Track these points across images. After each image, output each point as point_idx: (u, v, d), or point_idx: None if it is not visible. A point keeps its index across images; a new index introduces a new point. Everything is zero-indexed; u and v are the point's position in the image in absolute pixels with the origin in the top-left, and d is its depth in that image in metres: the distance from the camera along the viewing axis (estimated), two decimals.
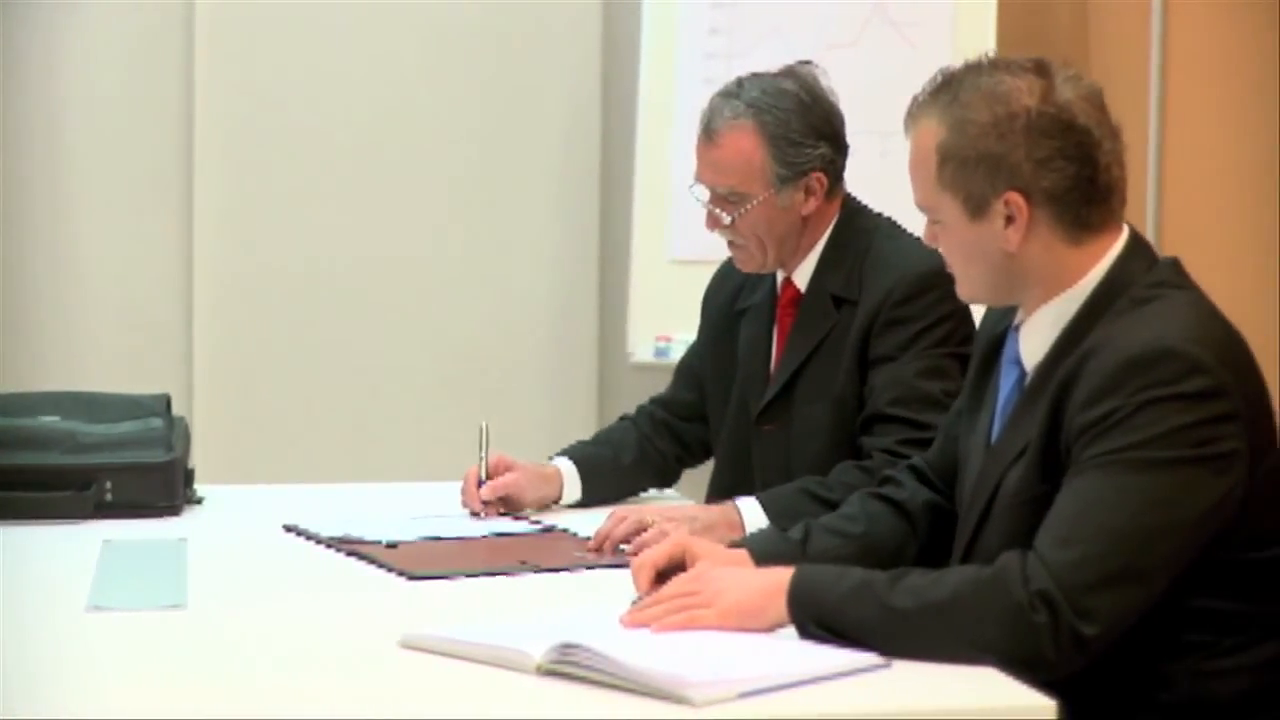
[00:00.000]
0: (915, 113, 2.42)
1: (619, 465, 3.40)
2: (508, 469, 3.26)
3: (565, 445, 5.25)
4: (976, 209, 2.35)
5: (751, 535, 2.72)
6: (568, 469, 3.34)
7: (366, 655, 2.21)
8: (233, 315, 5.20)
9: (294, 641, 2.29)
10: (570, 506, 3.33)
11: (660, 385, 5.02)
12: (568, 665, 2.07)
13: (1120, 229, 2.38)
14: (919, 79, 4.75)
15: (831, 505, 2.83)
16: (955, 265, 2.45)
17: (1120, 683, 2.27)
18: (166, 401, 3.35)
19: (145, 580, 2.60)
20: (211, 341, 5.19)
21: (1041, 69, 2.37)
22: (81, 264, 5.16)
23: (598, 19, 5.29)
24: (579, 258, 5.32)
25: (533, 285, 5.33)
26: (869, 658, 2.14)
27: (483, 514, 3.18)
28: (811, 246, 3.26)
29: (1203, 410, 2.20)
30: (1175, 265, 2.40)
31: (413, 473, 4.51)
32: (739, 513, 3.01)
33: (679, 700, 1.97)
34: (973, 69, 2.39)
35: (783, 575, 2.25)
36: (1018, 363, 2.44)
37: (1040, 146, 2.32)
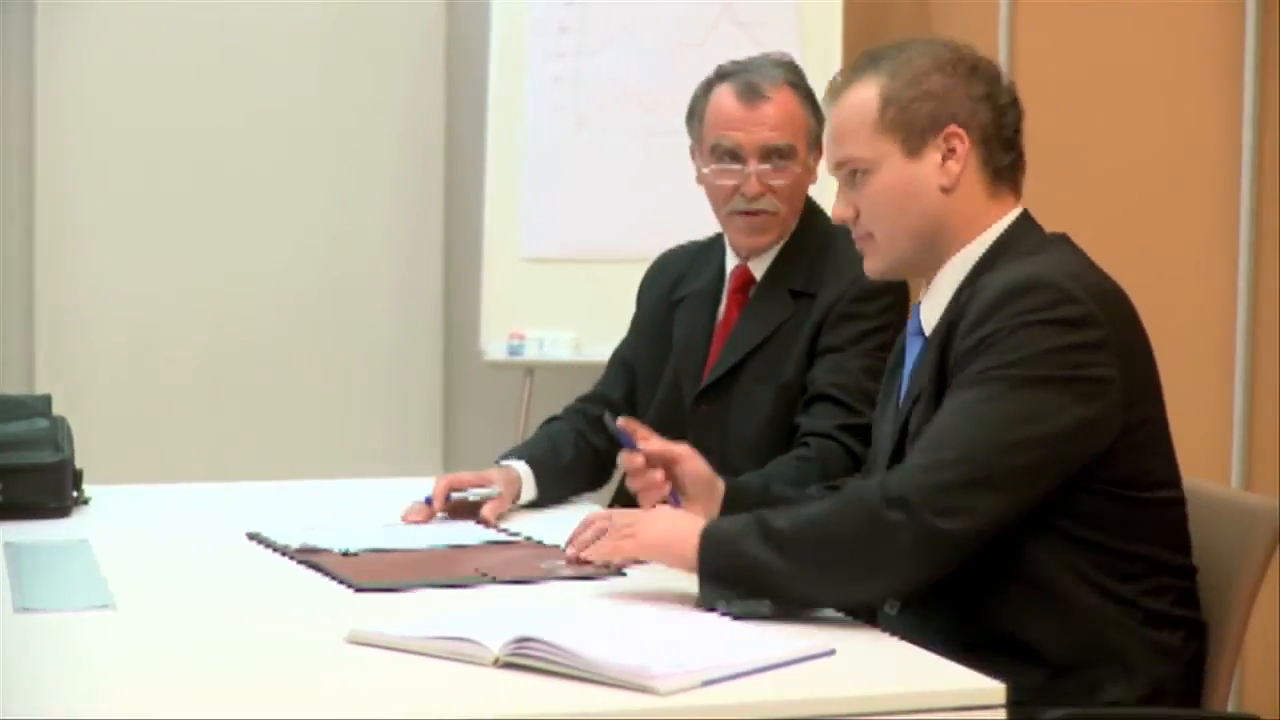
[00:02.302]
0: (845, 81, 2.54)
1: (560, 464, 3.38)
2: (486, 482, 3.21)
3: (408, 443, 5.31)
4: (916, 147, 2.48)
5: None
6: (524, 470, 3.30)
7: (314, 653, 2.20)
8: (72, 320, 5.12)
9: (236, 640, 2.27)
10: (524, 507, 3.29)
11: (514, 383, 5.07)
12: (526, 658, 2.08)
13: (1019, 199, 2.54)
14: None
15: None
16: (879, 225, 2.52)
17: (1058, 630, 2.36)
18: (48, 401, 3.30)
19: (65, 581, 2.57)
20: (50, 347, 5.11)
21: (961, 44, 2.55)
22: None
23: (442, 13, 5.30)
24: (422, 255, 5.33)
25: (375, 284, 5.33)
26: (817, 645, 2.19)
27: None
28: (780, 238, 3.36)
29: (1073, 336, 2.33)
30: (1065, 236, 2.54)
31: (253, 471, 4.50)
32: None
33: (643, 690, 1.99)
34: (896, 44, 2.54)
35: (702, 522, 2.40)
36: (920, 334, 2.55)
37: (977, 86, 2.49)
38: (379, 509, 3.16)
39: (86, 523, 3.07)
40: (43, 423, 3.20)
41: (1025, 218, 2.53)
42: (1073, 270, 2.40)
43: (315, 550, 2.72)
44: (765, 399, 3.28)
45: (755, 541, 2.31)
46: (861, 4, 5.12)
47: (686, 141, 3.43)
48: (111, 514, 3.15)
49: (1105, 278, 2.45)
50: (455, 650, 2.13)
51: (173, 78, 5.17)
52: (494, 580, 2.55)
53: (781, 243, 3.35)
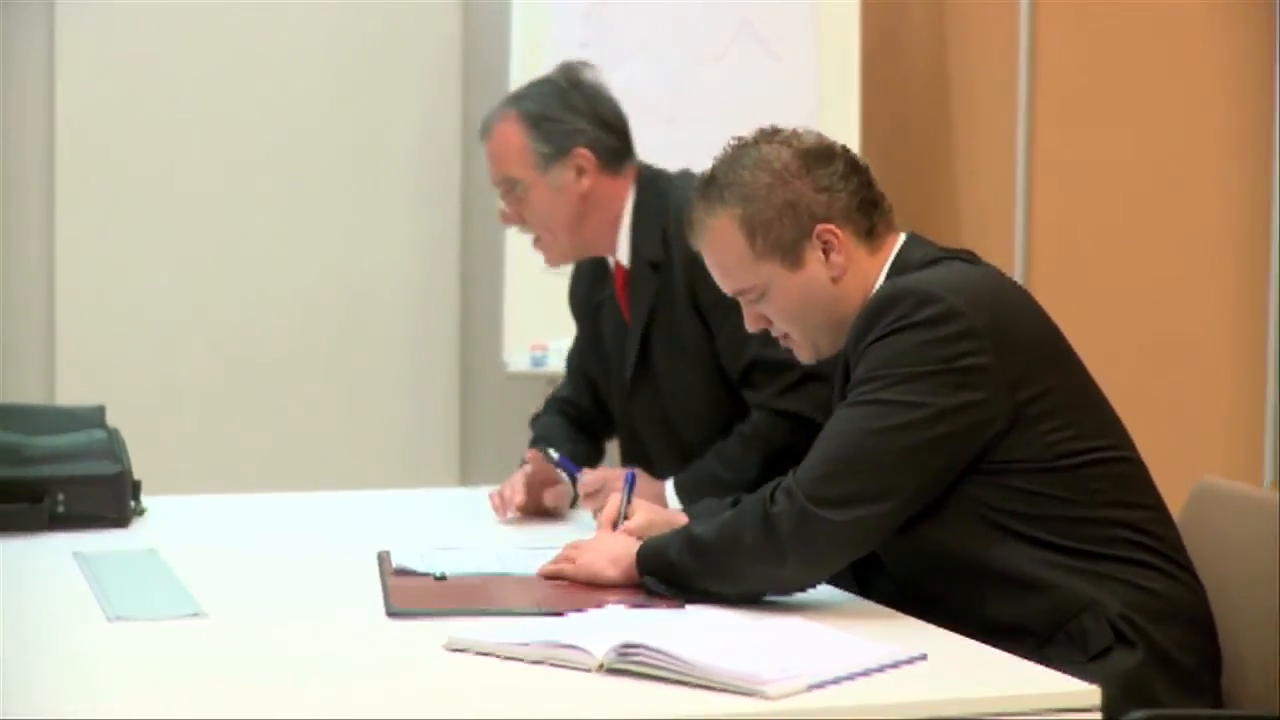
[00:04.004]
0: (697, 220, 2.66)
1: (581, 451, 3.53)
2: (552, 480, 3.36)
3: (425, 454, 5.32)
4: (795, 259, 2.60)
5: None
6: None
7: (413, 658, 2.23)
8: (92, 330, 5.13)
9: (331, 647, 2.30)
10: None
11: (537, 393, 5.08)
12: (631, 663, 2.12)
13: (898, 231, 2.65)
14: (785, 92, 4.91)
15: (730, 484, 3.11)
16: (793, 326, 2.66)
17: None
18: (102, 413, 3.32)
19: (149, 591, 2.59)
20: (70, 357, 5.12)
21: (773, 130, 2.67)
22: None
23: (459, 26, 5.32)
24: (439, 267, 5.34)
25: (391, 296, 5.33)
26: (910, 650, 2.23)
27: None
28: (616, 224, 3.37)
29: (936, 332, 2.45)
30: (963, 250, 2.65)
31: (271, 481, 4.53)
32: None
33: (752, 694, 2.03)
34: (725, 162, 2.65)
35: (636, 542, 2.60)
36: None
37: (820, 178, 2.60)
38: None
39: (148, 533, 3.09)
40: (99, 434, 3.22)
41: (909, 241, 2.65)
42: (931, 276, 2.53)
43: (409, 572, 2.71)
44: (682, 368, 3.33)
45: (677, 549, 2.51)
46: (879, 17, 5.16)
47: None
48: (170, 524, 3.17)
49: (985, 276, 2.58)
50: (558, 656, 2.16)
51: (187, 91, 5.17)
52: (545, 612, 2.45)
53: (626, 225, 3.35)
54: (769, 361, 3.20)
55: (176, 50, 5.18)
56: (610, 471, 3.31)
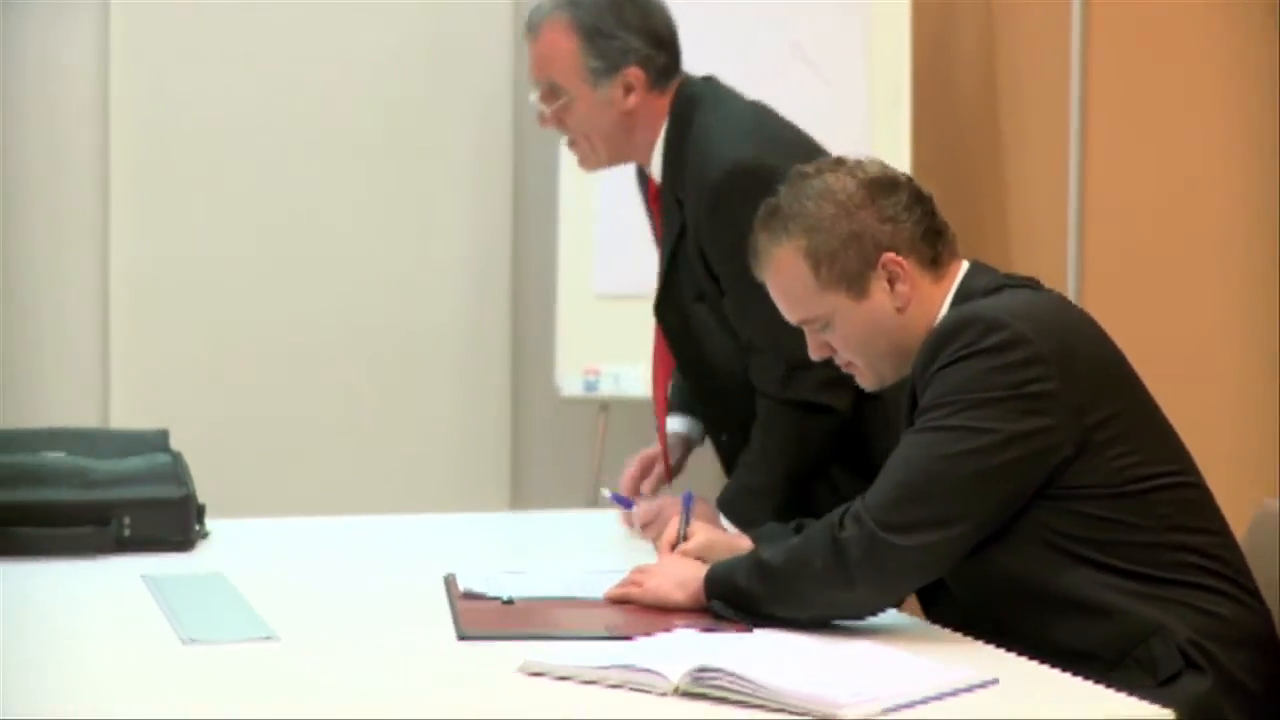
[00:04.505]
0: (762, 250, 2.67)
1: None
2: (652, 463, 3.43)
3: (476, 479, 5.33)
4: (860, 289, 2.61)
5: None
6: (680, 424, 3.48)
7: (489, 683, 2.25)
8: (144, 348, 5.16)
9: (406, 671, 2.32)
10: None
11: (586, 419, 5.11)
12: (707, 687, 2.13)
13: (961, 259, 2.66)
14: (835, 115, 4.92)
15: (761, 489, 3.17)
16: (858, 355, 2.67)
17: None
18: (166, 436, 3.34)
19: (220, 614, 2.61)
20: (125, 378, 5.15)
21: (837, 161, 2.69)
22: None
23: (510, 49, 5.34)
24: (491, 292, 5.36)
25: (443, 321, 5.35)
26: (981, 674, 2.23)
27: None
28: (653, 143, 3.28)
29: (1003, 359, 2.46)
30: (1027, 277, 2.67)
31: (323, 505, 4.54)
32: None
33: (828, 717, 2.04)
34: (788, 192, 2.66)
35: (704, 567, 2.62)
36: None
37: (885, 208, 2.61)
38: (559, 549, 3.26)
39: (213, 556, 3.10)
40: (164, 458, 3.24)
41: (973, 269, 2.66)
42: (995, 303, 2.55)
43: (477, 596, 2.72)
44: (705, 315, 3.25)
45: (745, 573, 2.52)
46: (930, 40, 5.17)
47: None
48: (234, 547, 3.18)
49: (1048, 302, 2.60)
50: (633, 680, 2.17)
51: (242, 125, 5.21)
52: (614, 636, 2.45)
53: (659, 146, 3.25)
54: (775, 345, 3.09)
55: (231, 82, 5.21)
56: (665, 499, 3.29)
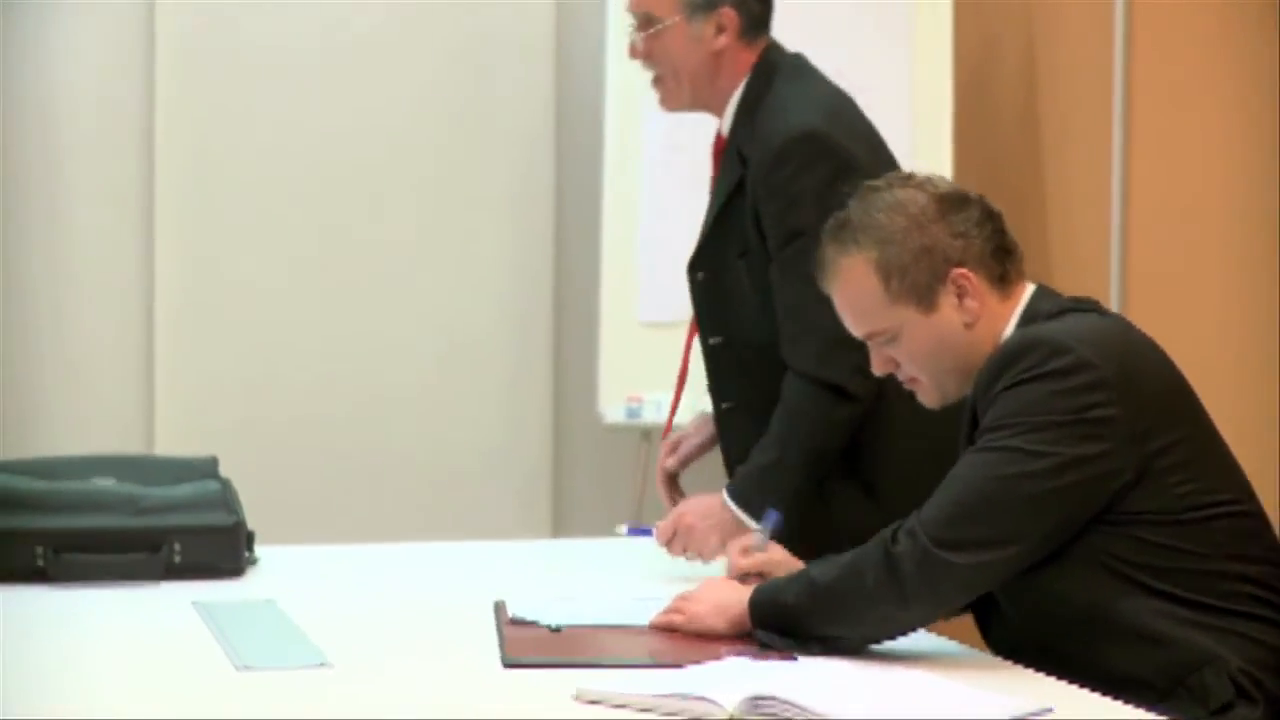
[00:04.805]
0: (830, 261, 2.67)
1: None
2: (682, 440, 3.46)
3: (517, 506, 5.34)
4: (929, 303, 2.61)
5: None
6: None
7: (536, 709, 2.26)
8: (188, 375, 5.19)
9: (459, 698, 2.32)
10: None
11: (631, 445, 5.12)
12: (762, 715, 2.13)
13: (1026, 281, 2.66)
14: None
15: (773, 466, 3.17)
16: (923, 370, 2.67)
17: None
18: (215, 463, 3.36)
19: (273, 640, 2.62)
20: (167, 401, 5.17)
21: (907, 175, 2.70)
22: (30, 283, 5.12)
23: (552, 75, 5.36)
24: (533, 319, 5.37)
25: (485, 348, 5.36)
26: (1036, 704, 2.23)
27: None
28: (730, 94, 3.33)
29: (1066, 383, 2.46)
30: (1089, 299, 2.67)
31: (362, 532, 4.55)
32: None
33: None
34: (858, 206, 2.66)
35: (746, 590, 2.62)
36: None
37: (955, 223, 2.61)
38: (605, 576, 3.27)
39: (263, 582, 3.12)
40: (213, 485, 3.25)
41: (1039, 293, 2.66)
42: (1061, 325, 2.55)
43: (525, 623, 2.73)
44: (742, 271, 3.28)
45: (795, 592, 2.53)
46: (971, 62, 5.18)
47: None
48: (282, 574, 3.20)
49: (1115, 327, 2.61)
50: (687, 708, 2.18)
51: (283, 157, 5.24)
52: (660, 664, 2.46)
53: (735, 98, 3.32)
54: (811, 324, 3.10)
55: (275, 116, 5.24)
56: (675, 512, 3.27)
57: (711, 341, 3.37)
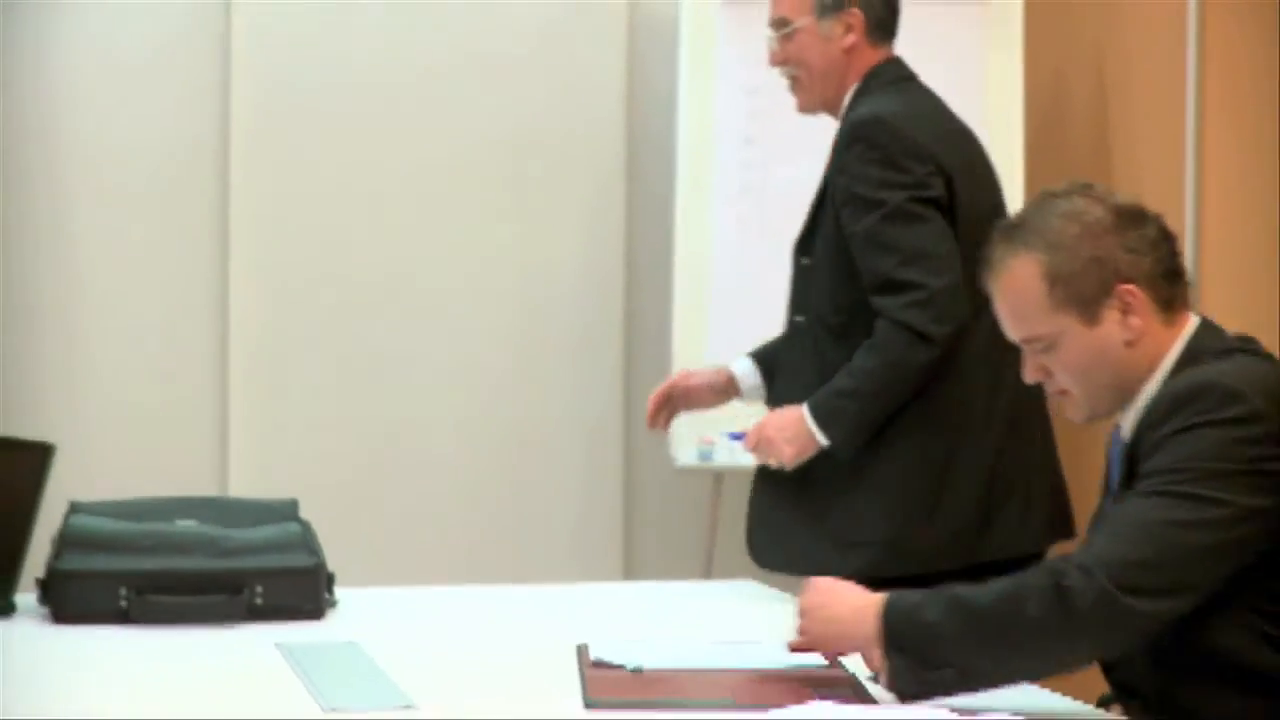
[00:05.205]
0: (997, 260, 2.63)
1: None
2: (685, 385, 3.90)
3: (589, 548, 5.35)
4: (1092, 314, 2.56)
5: None
6: (742, 367, 3.86)
7: None
8: (260, 418, 5.22)
9: None
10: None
11: (704, 487, 5.13)
12: None
13: (1190, 312, 2.62)
14: None
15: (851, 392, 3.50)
16: (1076, 383, 2.61)
17: None
18: (295, 506, 3.38)
19: (358, 682, 2.64)
20: (240, 444, 5.21)
21: (1086, 185, 2.64)
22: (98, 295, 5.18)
23: (622, 129, 5.38)
24: (603, 361, 5.38)
25: (556, 390, 5.37)
26: None
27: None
28: (848, 91, 3.67)
29: (1241, 431, 2.42)
30: (1250, 339, 2.63)
31: (434, 574, 4.56)
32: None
33: None
34: (1033, 208, 2.64)
35: (878, 596, 2.48)
36: (1120, 443, 2.63)
37: (1129, 238, 2.57)
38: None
39: (344, 624, 3.14)
40: (294, 527, 3.28)
41: (1205, 326, 2.61)
42: (1240, 372, 2.49)
43: (607, 664, 2.74)
44: (825, 252, 3.62)
45: (939, 610, 2.40)
46: (1042, 102, 5.19)
47: None
48: (362, 615, 3.22)
49: (1277, 373, 2.55)
50: None
51: (350, 186, 5.29)
52: (741, 706, 2.48)
53: (838, 105, 3.68)
54: (900, 281, 3.46)
55: (344, 154, 5.28)
56: (759, 423, 3.61)
57: (796, 319, 3.70)
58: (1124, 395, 2.59)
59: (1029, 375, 2.65)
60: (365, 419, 5.27)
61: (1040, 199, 2.64)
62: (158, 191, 5.21)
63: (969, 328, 3.50)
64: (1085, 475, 3.44)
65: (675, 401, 3.91)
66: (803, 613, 2.57)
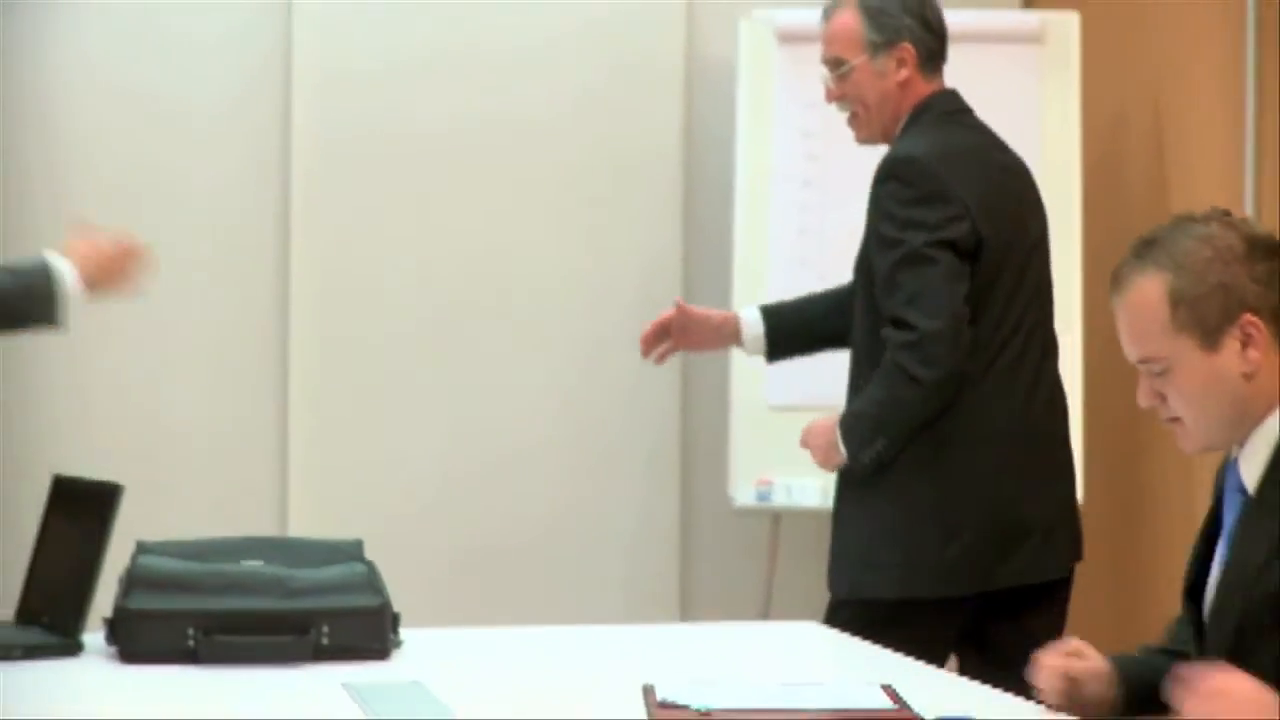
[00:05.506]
0: (1125, 276, 2.60)
1: (804, 314, 4.12)
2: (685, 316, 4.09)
3: (647, 591, 5.35)
4: (1213, 341, 2.53)
5: None
6: (748, 315, 4.12)
7: None
8: (319, 455, 5.25)
9: None
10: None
11: (762, 528, 5.13)
12: None
13: None
14: None
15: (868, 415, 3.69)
16: (1189, 411, 2.58)
17: None
18: (360, 546, 3.39)
19: None
20: (301, 475, 5.24)
21: (1227, 214, 2.60)
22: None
23: (680, 169, 5.40)
24: (661, 402, 5.40)
25: (616, 429, 5.40)
26: None
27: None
28: (901, 122, 3.79)
29: None
30: None
31: (488, 616, 4.56)
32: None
33: None
34: (1169, 228, 2.60)
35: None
36: (1241, 490, 2.59)
37: (1259, 269, 2.53)
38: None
39: (409, 664, 3.14)
40: (360, 567, 3.28)
41: None
42: None
43: (674, 706, 2.75)
44: (864, 287, 3.76)
45: None
46: (1099, 146, 5.19)
47: None
48: (426, 656, 3.22)
49: None
50: None
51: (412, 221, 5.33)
52: None
53: (894, 135, 3.79)
54: (899, 319, 3.59)
55: (403, 207, 5.32)
56: (806, 427, 3.84)
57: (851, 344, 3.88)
58: (1239, 430, 2.56)
59: (1142, 399, 2.62)
60: (423, 459, 5.30)
61: (1176, 221, 2.62)
62: (224, 224, 5.25)
63: (998, 349, 3.66)
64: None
65: (675, 334, 4.11)
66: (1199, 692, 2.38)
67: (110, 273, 3.74)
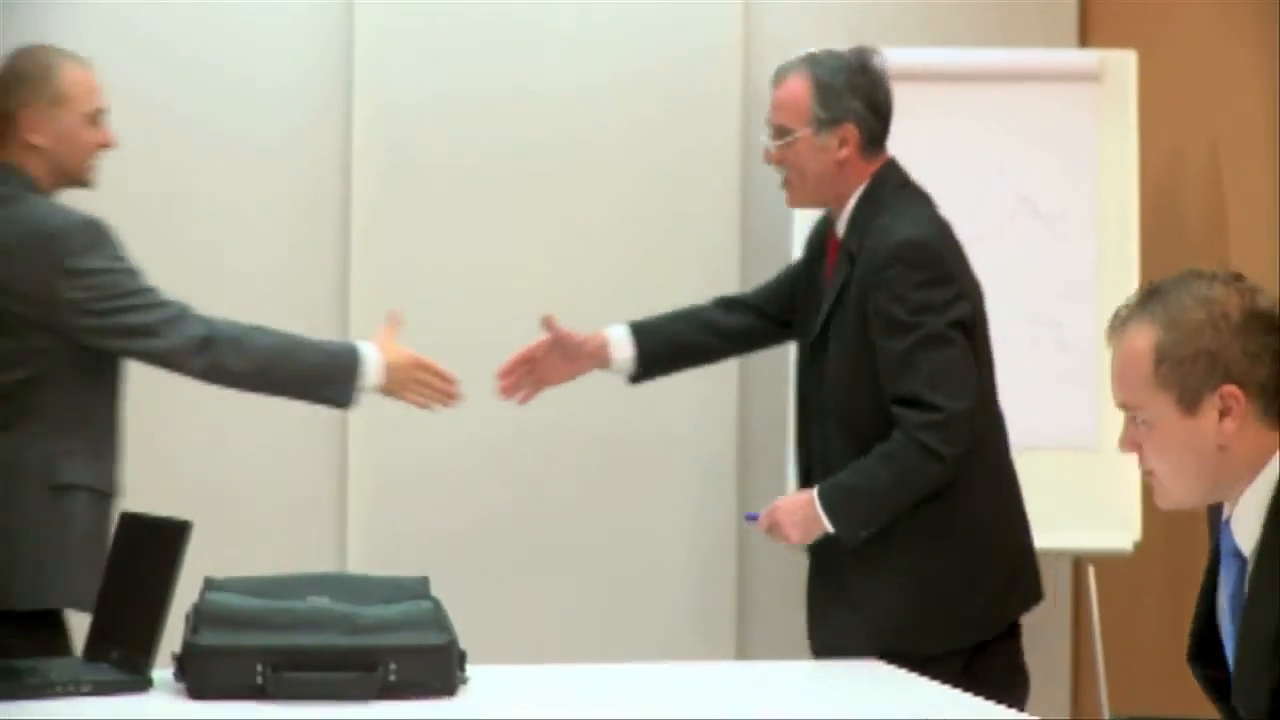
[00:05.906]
0: (1123, 320, 2.63)
1: (670, 331, 4.23)
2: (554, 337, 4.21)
3: (702, 627, 5.35)
4: (1190, 405, 2.54)
5: None
6: (616, 334, 4.21)
7: None
8: (377, 492, 5.27)
9: None
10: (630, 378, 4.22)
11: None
12: None
13: None
14: (1065, 270, 4.94)
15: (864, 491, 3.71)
16: (1161, 466, 2.60)
17: None
18: (426, 583, 3.41)
19: None
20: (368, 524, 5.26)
21: (1239, 279, 2.60)
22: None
23: (737, 202, 5.42)
24: (718, 430, 5.40)
25: (672, 461, 5.39)
26: None
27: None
28: (847, 199, 3.83)
29: None
30: None
31: (539, 651, 4.56)
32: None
33: None
34: (1177, 280, 2.61)
35: None
36: (1237, 554, 2.59)
37: (1253, 342, 2.53)
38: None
39: (475, 702, 3.16)
40: (426, 604, 3.30)
41: None
42: None
43: None
44: (842, 359, 3.77)
45: None
46: (1158, 190, 5.19)
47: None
48: (491, 693, 3.24)
49: None
50: None
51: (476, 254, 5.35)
52: None
53: (852, 204, 3.82)
54: (923, 400, 3.62)
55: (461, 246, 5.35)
56: (772, 505, 3.85)
57: (801, 404, 3.95)
58: (1212, 494, 2.57)
59: (1123, 445, 2.64)
60: (485, 491, 5.31)
61: (1185, 274, 2.62)
62: (283, 256, 5.30)
63: (988, 402, 3.79)
64: None
65: (541, 362, 4.30)
66: None
67: (408, 386, 4.12)
